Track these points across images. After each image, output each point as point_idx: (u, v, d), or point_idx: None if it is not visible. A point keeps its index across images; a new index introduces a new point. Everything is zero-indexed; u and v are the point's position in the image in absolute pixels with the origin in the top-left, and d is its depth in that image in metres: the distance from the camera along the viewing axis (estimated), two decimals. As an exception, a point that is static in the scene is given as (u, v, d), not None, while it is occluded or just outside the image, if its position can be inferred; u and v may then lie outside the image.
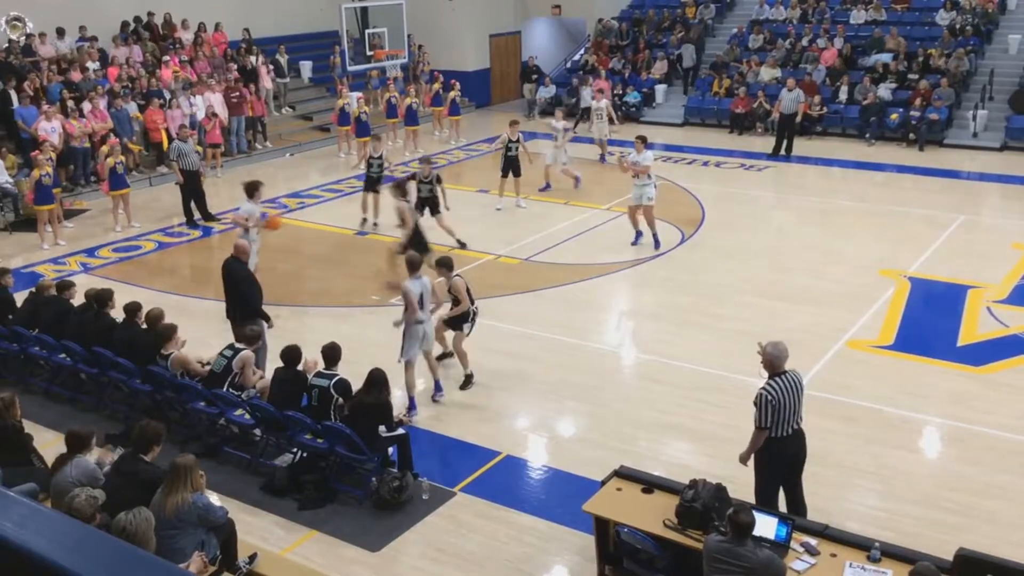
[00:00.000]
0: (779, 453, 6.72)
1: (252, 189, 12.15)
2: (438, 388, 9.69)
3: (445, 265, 9.85)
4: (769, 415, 6.58)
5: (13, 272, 11.49)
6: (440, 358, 10.19)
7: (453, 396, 9.79)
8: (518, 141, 16.57)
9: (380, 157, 15.53)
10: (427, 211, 13.84)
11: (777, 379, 6.64)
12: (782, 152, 20.34)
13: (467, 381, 9.97)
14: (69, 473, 6.34)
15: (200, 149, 17.58)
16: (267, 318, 9.90)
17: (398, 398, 9.01)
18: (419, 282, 9.32)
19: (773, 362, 6.70)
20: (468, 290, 9.78)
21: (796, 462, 6.86)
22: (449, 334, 10.11)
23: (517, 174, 16.52)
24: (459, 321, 9.89)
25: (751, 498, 6.70)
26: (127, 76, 19.90)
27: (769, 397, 6.56)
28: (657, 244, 14.18)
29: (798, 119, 20.41)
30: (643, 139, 14.50)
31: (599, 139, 20.15)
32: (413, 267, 9.46)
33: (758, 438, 6.69)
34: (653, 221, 14.19)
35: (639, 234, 14.36)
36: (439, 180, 14.08)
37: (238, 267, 10.05)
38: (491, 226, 14.69)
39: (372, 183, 15.61)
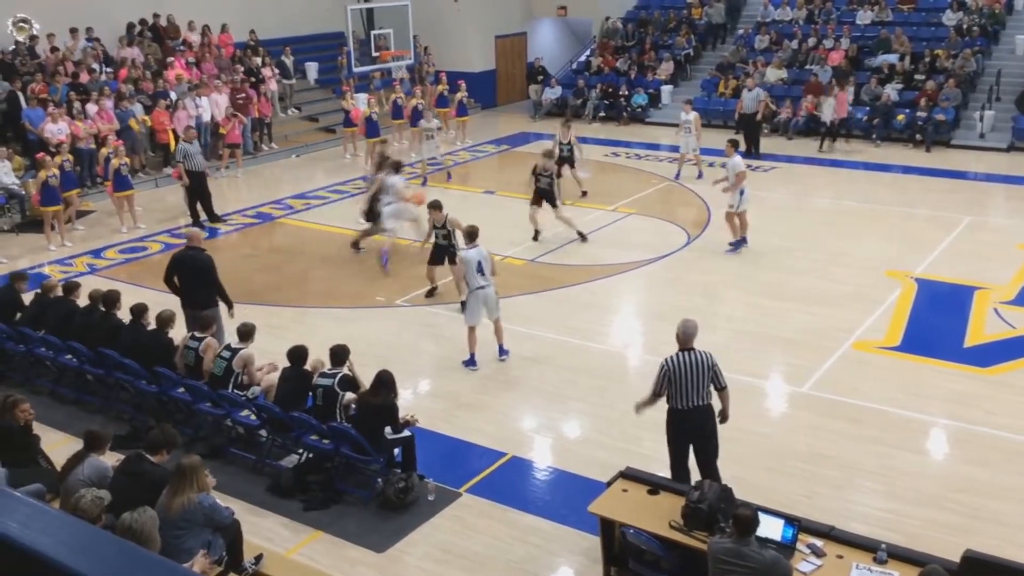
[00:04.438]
0: (681, 424, 7.14)
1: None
2: (502, 351, 10.48)
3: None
4: (663, 384, 7.09)
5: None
6: (429, 294, 12.05)
7: (453, 397, 9.82)
8: None
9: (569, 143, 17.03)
10: (545, 203, 14.61)
11: (682, 353, 7.10)
12: (752, 151, 20.21)
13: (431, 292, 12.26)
14: (81, 472, 6.37)
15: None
16: (231, 303, 10.17)
17: (406, 399, 9.02)
18: (476, 250, 10.15)
19: (681, 337, 7.16)
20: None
21: (702, 436, 7.20)
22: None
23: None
24: (443, 254, 11.87)
25: (756, 498, 6.69)
26: (133, 77, 19.93)
27: (666, 367, 7.07)
28: (732, 247, 14.06)
29: (758, 117, 20.55)
30: (733, 143, 14.48)
31: (688, 152, 18.44)
32: (470, 237, 10.32)
33: (650, 401, 7.31)
34: (734, 227, 14.09)
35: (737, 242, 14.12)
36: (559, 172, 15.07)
37: (202, 256, 10.15)
38: (497, 227, 14.66)
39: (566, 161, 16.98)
